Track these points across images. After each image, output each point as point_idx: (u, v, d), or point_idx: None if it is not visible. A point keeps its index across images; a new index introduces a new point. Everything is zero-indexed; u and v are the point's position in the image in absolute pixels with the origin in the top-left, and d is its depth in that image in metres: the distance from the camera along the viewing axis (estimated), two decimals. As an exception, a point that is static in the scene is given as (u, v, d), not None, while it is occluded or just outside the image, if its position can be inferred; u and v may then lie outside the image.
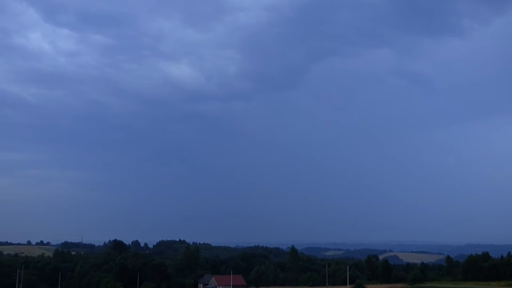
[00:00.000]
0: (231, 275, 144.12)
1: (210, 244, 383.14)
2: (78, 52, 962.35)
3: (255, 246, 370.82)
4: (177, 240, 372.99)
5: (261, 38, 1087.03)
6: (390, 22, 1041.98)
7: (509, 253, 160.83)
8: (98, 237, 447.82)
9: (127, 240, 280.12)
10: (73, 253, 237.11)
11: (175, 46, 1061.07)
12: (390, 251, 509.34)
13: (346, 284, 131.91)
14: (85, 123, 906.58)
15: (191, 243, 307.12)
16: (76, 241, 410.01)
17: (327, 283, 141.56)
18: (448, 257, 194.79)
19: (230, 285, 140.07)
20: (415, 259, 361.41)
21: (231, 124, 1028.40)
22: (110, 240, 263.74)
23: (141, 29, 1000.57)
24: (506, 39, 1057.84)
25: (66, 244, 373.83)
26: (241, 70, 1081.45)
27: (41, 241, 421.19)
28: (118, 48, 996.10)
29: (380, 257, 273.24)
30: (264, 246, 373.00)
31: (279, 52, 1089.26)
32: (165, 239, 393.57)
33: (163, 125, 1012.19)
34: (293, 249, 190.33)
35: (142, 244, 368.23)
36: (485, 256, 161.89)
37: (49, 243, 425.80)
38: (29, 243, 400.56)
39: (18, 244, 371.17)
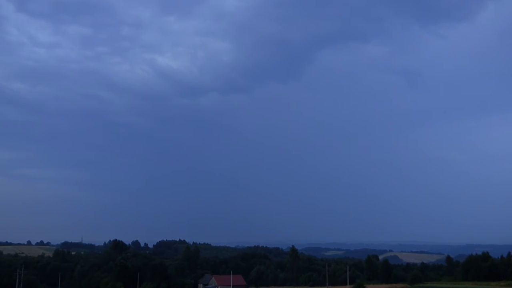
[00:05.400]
0: (231, 275, 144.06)
1: (210, 244, 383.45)
2: (56, 44, 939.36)
3: (255, 246, 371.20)
4: (177, 240, 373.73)
5: (252, 23, 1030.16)
6: (390, 10, 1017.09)
7: (509, 253, 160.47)
8: (98, 237, 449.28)
9: (127, 240, 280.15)
10: (73, 253, 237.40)
11: (159, 35, 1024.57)
12: (390, 251, 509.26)
13: (346, 284, 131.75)
14: (82, 121, 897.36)
15: (191, 243, 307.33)
16: (76, 241, 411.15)
17: (327, 283, 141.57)
18: (448, 257, 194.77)
19: (230, 285, 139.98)
20: (415, 259, 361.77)
21: (229, 121, 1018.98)
22: (110, 240, 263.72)
23: (118, 17, 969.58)
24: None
25: (66, 244, 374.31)
26: (234, 59, 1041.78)
27: (41, 241, 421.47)
28: (97, 39, 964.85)
29: (380, 257, 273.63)
30: (264, 246, 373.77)
31: (272, 38, 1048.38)
32: (165, 239, 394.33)
33: (162, 123, 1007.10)
34: (293, 249, 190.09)
35: (142, 244, 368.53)
36: (485, 256, 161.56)
37: (49, 243, 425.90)
38: (29, 243, 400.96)
39: (18, 244, 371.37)
